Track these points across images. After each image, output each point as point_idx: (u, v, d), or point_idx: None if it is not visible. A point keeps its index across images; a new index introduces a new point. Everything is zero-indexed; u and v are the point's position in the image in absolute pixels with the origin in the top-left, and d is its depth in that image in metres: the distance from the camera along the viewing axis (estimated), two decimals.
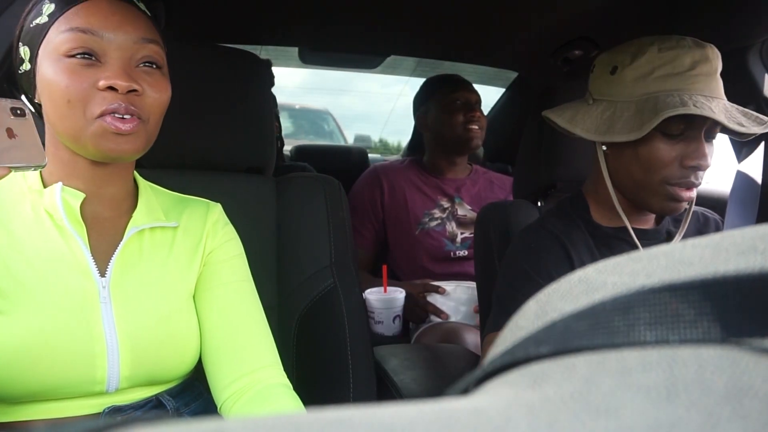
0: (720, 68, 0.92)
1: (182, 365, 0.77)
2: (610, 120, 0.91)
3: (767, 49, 1.22)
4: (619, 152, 0.94)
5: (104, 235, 0.76)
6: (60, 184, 0.73)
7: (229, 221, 0.88)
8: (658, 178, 0.90)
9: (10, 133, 0.59)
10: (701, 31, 1.29)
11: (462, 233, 1.73)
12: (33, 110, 0.70)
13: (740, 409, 0.13)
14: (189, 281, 0.79)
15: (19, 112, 0.60)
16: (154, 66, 0.73)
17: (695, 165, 0.88)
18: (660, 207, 0.92)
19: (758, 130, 0.89)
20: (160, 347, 0.73)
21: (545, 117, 1.03)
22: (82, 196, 0.73)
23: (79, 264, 0.72)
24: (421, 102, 1.84)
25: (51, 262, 0.71)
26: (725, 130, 0.91)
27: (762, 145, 1.19)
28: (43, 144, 0.64)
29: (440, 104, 1.76)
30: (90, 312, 0.70)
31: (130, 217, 0.77)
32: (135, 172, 0.83)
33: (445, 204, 1.75)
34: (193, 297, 0.81)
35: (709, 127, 0.89)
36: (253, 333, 0.81)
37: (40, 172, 0.76)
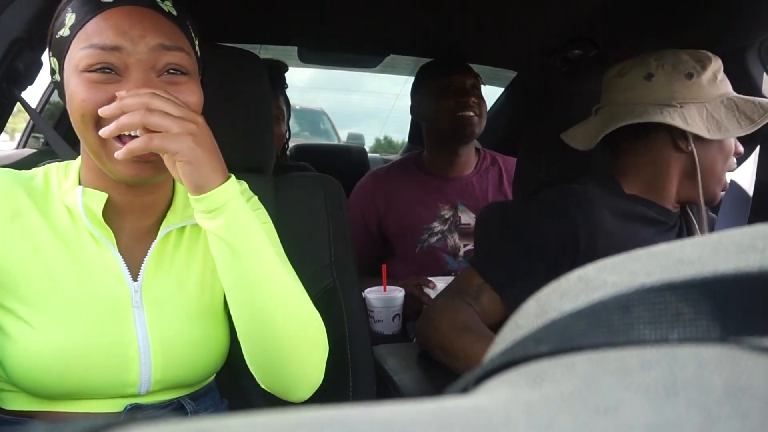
0: None
1: (210, 365, 0.77)
2: (714, 119, 0.97)
3: (766, 49, 1.22)
4: (705, 150, 0.99)
5: (135, 237, 0.74)
6: (80, 188, 0.71)
7: (254, 194, 0.86)
8: (728, 168, 1.01)
9: None
10: (700, 30, 1.29)
11: (465, 245, 1.59)
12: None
13: (739, 407, 0.13)
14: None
15: None
16: (180, 72, 0.69)
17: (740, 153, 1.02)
18: (717, 195, 1.01)
19: None
20: (191, 348, 0.74)
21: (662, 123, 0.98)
22: (104, 197, 0.70)
23: (110, 269, 0.71)
24: (415, 90, 1.73)
25: (84, 266, 0.70)
26: None
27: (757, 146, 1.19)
28: None
29: (431, 90, 1.64)
30: (123, 317, 0.70)
31: (163, 217, 0.76)
32: None
33: (447, 214, 1.61)
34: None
35: None
36: None
37: (79, 172, 0.74)
